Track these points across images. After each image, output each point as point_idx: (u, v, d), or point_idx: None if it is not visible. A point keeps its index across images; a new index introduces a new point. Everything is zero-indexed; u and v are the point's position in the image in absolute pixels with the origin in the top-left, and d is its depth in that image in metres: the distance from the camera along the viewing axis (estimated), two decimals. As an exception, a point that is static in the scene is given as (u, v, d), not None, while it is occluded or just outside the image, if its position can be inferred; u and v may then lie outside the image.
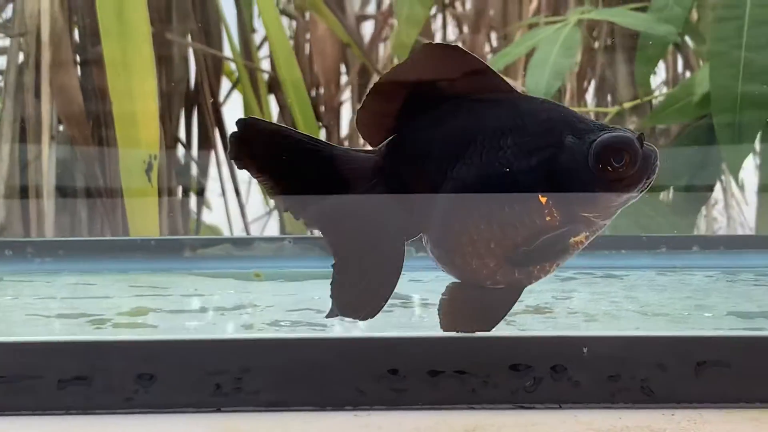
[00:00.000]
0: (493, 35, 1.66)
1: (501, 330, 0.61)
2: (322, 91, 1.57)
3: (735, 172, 1.30)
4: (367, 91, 0.62)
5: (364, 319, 0.62)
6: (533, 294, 0.83)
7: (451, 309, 0.62)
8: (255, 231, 1.66)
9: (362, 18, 1.66)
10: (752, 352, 0.57)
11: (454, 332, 0.60)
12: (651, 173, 0.59)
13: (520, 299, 0.61)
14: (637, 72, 1.37)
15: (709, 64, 1.25)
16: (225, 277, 0.96)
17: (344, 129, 1.63)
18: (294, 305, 0.84)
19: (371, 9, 1.70)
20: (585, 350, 0.57)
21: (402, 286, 0.61)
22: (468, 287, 0.62)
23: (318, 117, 1.51)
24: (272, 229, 1.70)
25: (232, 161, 0.64)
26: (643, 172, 0.58)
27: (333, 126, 1.59)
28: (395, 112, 0.61)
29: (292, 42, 1.51)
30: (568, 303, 0.84)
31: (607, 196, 0.59)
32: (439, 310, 0.61)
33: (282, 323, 0.79)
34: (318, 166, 0.61)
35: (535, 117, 0.60)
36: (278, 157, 0.61)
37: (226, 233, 1.60)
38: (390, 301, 0.60)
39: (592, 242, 0.60)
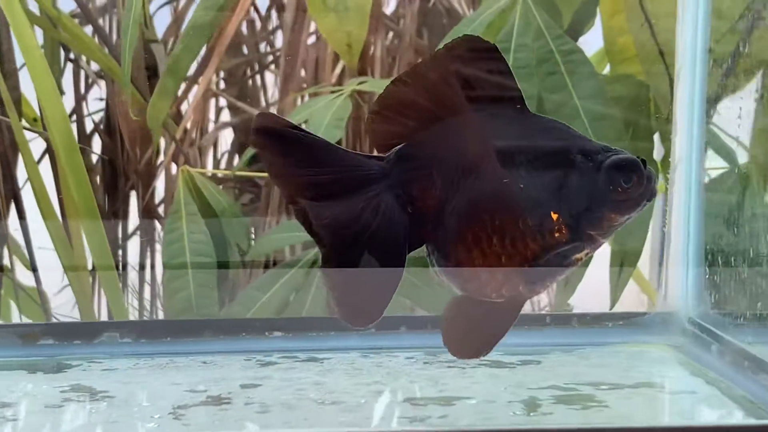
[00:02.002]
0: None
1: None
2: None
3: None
4: (380, 94, 0.63)
5: (362, 326, 0.63)
6: (216, 384, 0.86)
7: (454, 327, 0.64)
8: None
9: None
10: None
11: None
12: (652, 195, 0.62)
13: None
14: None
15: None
16: None
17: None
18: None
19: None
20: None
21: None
22: (469, 303, 0.64)
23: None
24: None
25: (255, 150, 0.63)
26: (645, 194, 0.62)
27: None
28: (407, 120, 0.62)
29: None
30: (251, 392, 0.87)
31: (613, 216, 0.61)
32: (442, 328, 0.64)
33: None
34: (329, 168, 0.63)
35: (547, 135, 0.63)
36: (294, 154, 0.62)
37: None
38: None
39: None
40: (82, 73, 1.52)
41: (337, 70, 1.60)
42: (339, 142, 1.48)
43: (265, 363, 0.95)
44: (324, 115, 1.35)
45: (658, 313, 1.04)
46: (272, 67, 1.73)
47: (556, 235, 0.61)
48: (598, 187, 0.61)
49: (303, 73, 1.51)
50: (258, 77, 1.67)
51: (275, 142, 0.62)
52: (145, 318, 1.41)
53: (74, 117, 1.50)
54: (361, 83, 1.44)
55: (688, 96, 1.03)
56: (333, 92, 1.44)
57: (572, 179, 0.61)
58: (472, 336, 0.66)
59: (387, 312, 1.17)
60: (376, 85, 1.46)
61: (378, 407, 0.85)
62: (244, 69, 1.68)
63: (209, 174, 1.46)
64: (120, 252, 1.52)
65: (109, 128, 1.54)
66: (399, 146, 0.63)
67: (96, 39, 1.45)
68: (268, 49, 1.69)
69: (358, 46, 1.34)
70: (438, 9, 1.60)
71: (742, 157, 1.06)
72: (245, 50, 1.67)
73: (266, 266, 1.38)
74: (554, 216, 0.61)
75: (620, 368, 0.97)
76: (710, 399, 0.89)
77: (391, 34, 1.58)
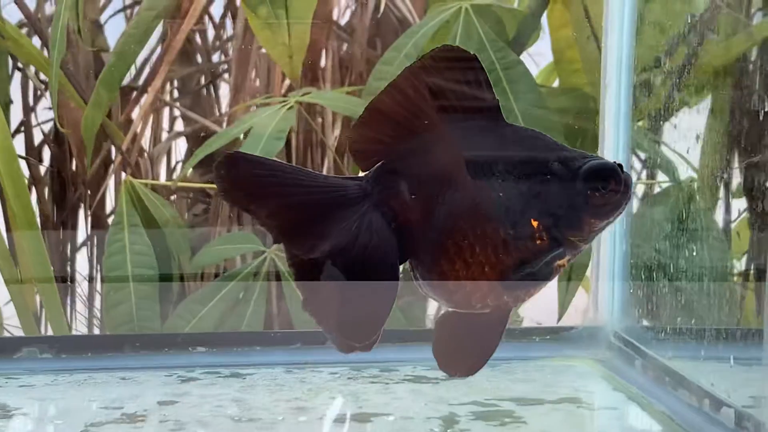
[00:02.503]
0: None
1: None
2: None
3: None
4: (359, 115, 0.63)
5: (364, 346, 0.63)
6: (133, 401, 0.86)
7: (443, 345, 0.65)
8: None
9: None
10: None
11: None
12: (629, 199, 0.63)
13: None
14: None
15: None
16: None
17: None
18: None
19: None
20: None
21: None
22: (456, 319, 0.64)
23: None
24: None
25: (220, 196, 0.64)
26: (623, 199, 0.62)
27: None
28: (385, 136, 0.62)
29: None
30: (168, 409, 0.87)
31: (593, 221, 0.62)
32: (432, 348, 0.64)
33: None
34: (307, 195, 0.62)
35: (524, 144, 0.63)
36: (266, 189, 0.62)
37: None
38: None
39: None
40: (31, 84, 1.51)
41: (288, 80, 1.60)
42: (288, 154, 1.48)
43: (187, 379, 0.94)
44: (266, 127, 1.35)
45: (585, 327, 1.04)
46: (226, 76, 1.73)
47: (538, 242, 0.62)
48: (576, 193, 0.62)
49: (258, 82, 1.51)
50: (212, 86, 1.67)
51: (248, 186, 0.63)
52: (77, 332, 1.40)
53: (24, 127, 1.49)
54: (305, 94, 1.44)
55: (615, 109, 1.03)
56: (281, 103, 1.44)
57: (551, 186, 0.62)
58: (463, 353, 0.66)
59: (313, 327, 1.17)
60: (320, 96, 1.46)
61: (294, 425, 0.85)
62: (197, 78, 1.67)
63: (157, 184, 1.45)
64: (69, 264, 1.51)
65: (57, 138, 1.54)
66: (377, 165, 0.64)
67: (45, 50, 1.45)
68: (223, 58, 1.69)
69: (300, 58, 1.33)
70: (390, 19, 1.60)
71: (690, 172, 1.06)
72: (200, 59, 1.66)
73: (216, 277, 1.37)
74: (534, 223, 0.62)
75: (544, 383, 0.97)
76: (629, 415, 0.89)
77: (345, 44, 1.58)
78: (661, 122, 1.08)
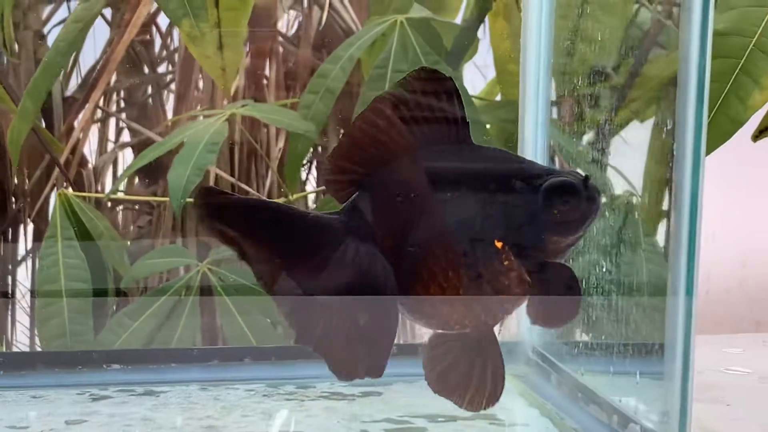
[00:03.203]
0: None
1: None
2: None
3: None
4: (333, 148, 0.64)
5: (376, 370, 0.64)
6: (41, 420, 0.85)
7: (434, 366, 0.66)
8: None
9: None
10: None
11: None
12: (595, 213, 0.63)
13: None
14: (287, 169, 1.41)
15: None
16: None
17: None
18: None
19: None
20: None
21: None
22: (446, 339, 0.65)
23: None
24: None
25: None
26: (588, 213, 0.62)
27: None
28: (357, 167, 0.63)
29: None
30: (75, 429, 0.86)
31: (556, 238, 0.63)
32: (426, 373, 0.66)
33: None
34: (288, 233, 0.63)
35: (490, 165, 0.64)
36: (246, 226, 0.62)
37: None
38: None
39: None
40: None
41: (231, 91, 1.60)
42: (231, 165, 1.48)
43: (99, 397, 0.94)
44: (200, 139, 1.34)
45: (504, 342, 1.04)
46: (172, 87, 1.72)
47: (505, 263, 0.63)
48: (537, 211, 0.62)
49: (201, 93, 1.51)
50: (164, 97, 1.66)
51: (231, 223, 0.63)
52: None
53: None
54: (243, 106, 1.44)
55: (532, 122, 1.03)
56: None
57: (514, 206, 0.63)
58: (457, 376, 0.67)
59: (231, 343, 1.17)
60: (257, 109, 1.46)
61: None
62: (145, 89, 1.67)
63: (91, 196, 1.44)
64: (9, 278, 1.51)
65: (-1, 150, 1.53)
66: (352, 197, 0.65)
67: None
68: (170, 68, 1.68)
69: (233, 71, 1.33)
70: (336, 31, 1.60)
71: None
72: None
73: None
74: (498, 244, 0.63)
75: (460, 400, 0.96)
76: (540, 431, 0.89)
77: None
78: (606, 135, 1.08)
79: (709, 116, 1.02)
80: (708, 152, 1.04)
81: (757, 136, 1.23)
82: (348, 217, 0.65)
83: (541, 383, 0.98)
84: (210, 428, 0.87)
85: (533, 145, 1.03)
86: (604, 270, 0.91)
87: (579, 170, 0.69)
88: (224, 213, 0.63)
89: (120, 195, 1.48)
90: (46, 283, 1.30)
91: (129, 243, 1.40)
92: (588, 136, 1.09)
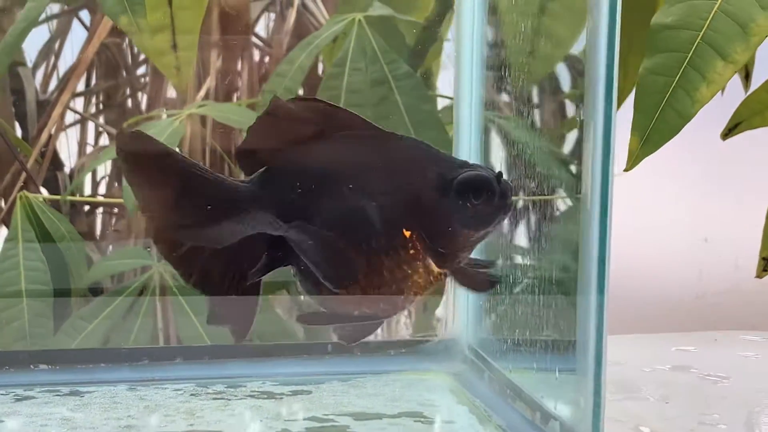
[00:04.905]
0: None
1: None
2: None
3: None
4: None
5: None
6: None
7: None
8: None
9: None
10: None
11: None
12: (507, 209, 0.63)
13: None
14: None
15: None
16: None
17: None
18: None
19: None
20: None
21: None
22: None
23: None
24: None
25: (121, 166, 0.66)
26: (500, 208, 0.62)
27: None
28: (268, 148, 0.64)
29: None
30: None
31: (467, 232, 0.62)
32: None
33: None
34: (197, 190, 0.64)
35: (400, 153, 0.64)
36: (162, 175, 0.64)
37: None
38: None
39: None
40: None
41: (202, 92, 1.60)
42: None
43: (22, 398, 0.93)
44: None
45: (441, 340, 1.03)
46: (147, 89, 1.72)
47: (411, 252, 0.62)
48: (450, 203, 0.61)
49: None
50: (143, 98, 1.66)
51: (144, 165, 0.64)
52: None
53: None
54: (201, 107, 1.44)
55: (466, 122, 1.01)
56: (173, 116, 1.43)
57: (426, 197, 0.62)
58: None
59: (162, 342, 1.16)
60: (213, 108, 1.45)
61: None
62: (123, 91, 1.67)
63: (54, 199, 1.44)
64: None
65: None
66: (262, 169, 0.65)
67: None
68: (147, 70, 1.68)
69: (188, 70, 1.32)
70: (309, 30, 1.59)
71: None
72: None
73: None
74: (407, 233, 0.62)
75: (390, 397, 0.95)
76: (464, 429, 0.87)
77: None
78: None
79: (656, 111, 1.00)
80: (656, 148, 1.02)
81: (726, 134, 1.20)
82: (254, 185, 0.65)
83: (474, 381, 0.97)
84: (128, 428, 0.86)
85: (468, 144, 1.02)
86: (528, 264, 0.90)
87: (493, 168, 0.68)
88: (141, 159, 0.64)
89: (79, 198, 1.47)
90: (6, 285, 1.30)
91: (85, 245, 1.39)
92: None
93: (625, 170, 0.97)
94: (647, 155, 1.00)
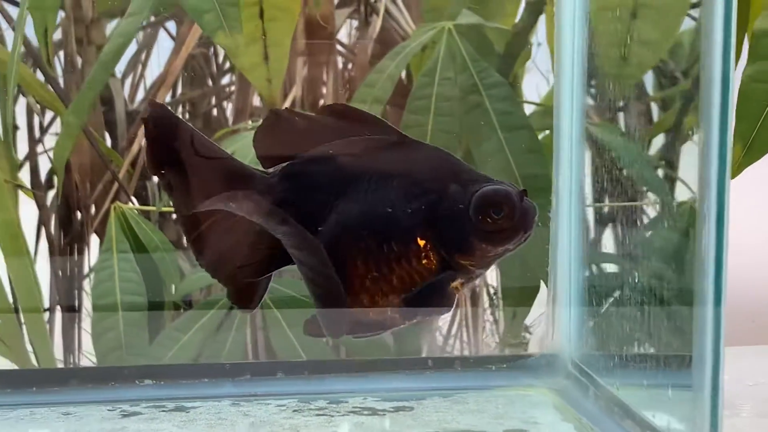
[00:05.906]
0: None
1: None
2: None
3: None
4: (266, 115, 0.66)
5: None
6: None
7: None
8: None
9: None
10: None
11: None
12: (528, 228, 0.62)
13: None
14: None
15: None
16: None
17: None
18: None
19: None
20: None
21: None
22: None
23: None
24: None
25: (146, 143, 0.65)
26: (520, 227, 0.61)
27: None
28: (291, 141, 0.64)
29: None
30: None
31: (484, 246, 0.61)
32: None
33: None
34: (217, 174, 0.64)
35: (423, 163, 0.63)
36: (182, 154, 0.64)
37: None
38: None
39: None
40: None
41: (288, 101, 1.60)
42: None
43: (129, 413, 0.94)
44: (247, 153, 1.34)
45: (543, 355, 1.01)
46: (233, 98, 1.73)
47: (424, 261, 0.62)
48: (468, 216, 0.61)
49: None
50: (228, 107, 1.67)
51: (167, 138, 0.64)
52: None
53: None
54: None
55: (567, 129, 1.00)
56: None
57: (444, 207, 0.61)
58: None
59: (265, 358, 1.16)
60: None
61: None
62: (209, 100, 1.68)
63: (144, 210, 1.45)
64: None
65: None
66: (285, 164, 0.64)
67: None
68: (233, 79, 1.69)
69: (278, 81, 1.33)
70: (394, 39, 1.59)
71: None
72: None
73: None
74: (421, 242, 0.61)
75: (493, 414, 0.94)
76: (572, 448, 0.86)
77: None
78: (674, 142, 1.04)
79: (759, 118, 0.98)
80: (760, 155, 1.00)
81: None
82: (276, 180, 0.64)
83: (579, 397, 0.96)
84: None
85: (568, 154, 1.00)
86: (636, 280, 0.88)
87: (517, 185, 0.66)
88: (169, 133, 0.64)
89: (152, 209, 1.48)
90: (101, 297, 1.32)
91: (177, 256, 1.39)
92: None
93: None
94: (751, 163, 0.98)
